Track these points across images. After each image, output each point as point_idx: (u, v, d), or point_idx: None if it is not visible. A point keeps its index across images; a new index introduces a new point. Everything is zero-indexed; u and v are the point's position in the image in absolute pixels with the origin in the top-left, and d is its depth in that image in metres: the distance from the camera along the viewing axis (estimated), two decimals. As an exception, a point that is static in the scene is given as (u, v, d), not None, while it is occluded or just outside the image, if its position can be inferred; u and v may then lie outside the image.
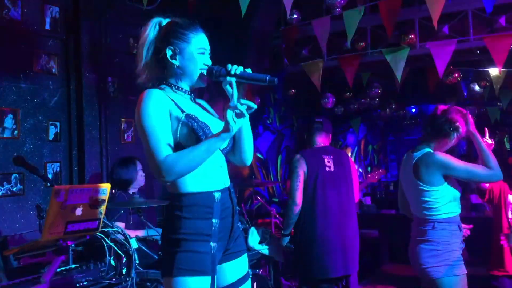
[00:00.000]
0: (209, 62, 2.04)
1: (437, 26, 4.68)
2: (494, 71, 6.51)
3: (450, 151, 3.00)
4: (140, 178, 4.03)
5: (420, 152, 2.92)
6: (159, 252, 3.13)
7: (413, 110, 11.40)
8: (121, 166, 3.99)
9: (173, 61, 2.00)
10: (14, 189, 4.06)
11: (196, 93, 2.15)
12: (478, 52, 5.88)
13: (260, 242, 4.06)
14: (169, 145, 1.84)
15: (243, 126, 2.03)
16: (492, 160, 2.84)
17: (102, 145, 4.74)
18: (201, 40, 2.02)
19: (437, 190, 2.83)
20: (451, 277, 2.77)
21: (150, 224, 3.57)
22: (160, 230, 3.54)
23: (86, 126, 4.61)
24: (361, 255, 4.04)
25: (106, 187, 2.51)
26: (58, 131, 4.49)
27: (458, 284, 2.79)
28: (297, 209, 3.78)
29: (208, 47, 2.05)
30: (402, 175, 3.07)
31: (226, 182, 2.04)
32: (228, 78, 1.90)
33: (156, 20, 2.09)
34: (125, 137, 5.04)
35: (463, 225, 2.93)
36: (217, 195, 1.96)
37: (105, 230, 2.66)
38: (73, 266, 2.69)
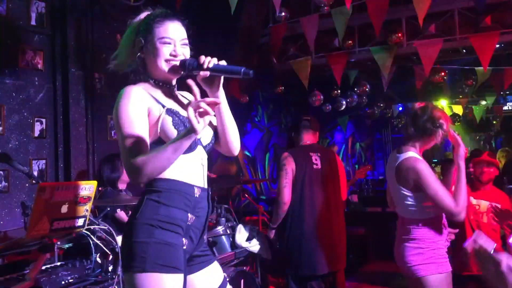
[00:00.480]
0: (183, 52, 1.92)
1: (423, 25, 4.71)
2: (479, 70, 6.58)
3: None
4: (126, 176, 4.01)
5: (404, 154, 2.85)
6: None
7: (400, 109, 11.48)
8: (107, 163, 3.96)
9: (140, 54, 1.96)
10: (-1, 186, 4.02)
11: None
12: (464, 51, 5.93)
13: (248, 240, 4.06)
14: (142, 146, 1.76)
15: (225, 117, 1.96)
16: (464, 199, 2.75)
17: (88, 142, 4.70)
18: (165, 29, 1.91)
19: (418, 194, 2.82)
20: (436, 275, 2.79)
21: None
22: None
23: (72, 122, 4.57)
24: (347, 253, 4.07)
25: (92, 184, 2.49)
26: (44, 127, 4.45)
27: (443, 282, 2.81)
28: (285, 207, 3.81)
29: (177, 36, 1.92)
30: (387, 174, 3.07)
31: (205, 183, 1.96)
32: (202, 72, 1.83)
33: (144, 13, 2.05)
34: (112, 134, 5.01)
35: (449, 229, 2.94)
36: (196, 190, 1.90)
37: (91, 227, 2.64)
38: (58, 263, 2.66)
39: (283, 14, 6.06)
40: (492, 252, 2.06)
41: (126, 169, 1.76)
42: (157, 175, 1.76)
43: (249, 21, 6.09)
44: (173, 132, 1.83)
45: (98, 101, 4.85)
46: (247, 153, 7.98)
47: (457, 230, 3.03)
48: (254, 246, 4.14)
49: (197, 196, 1.89)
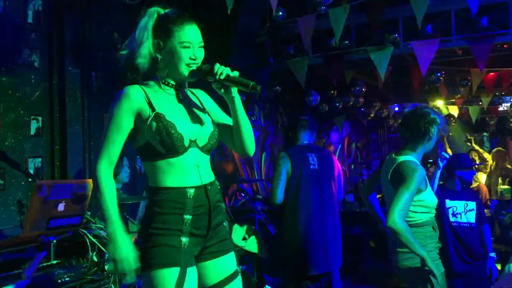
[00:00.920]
0: (200, 55, 2.01)
1: (420, 25, 4.73)
2: (475, 71, 6.61)
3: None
4: (124, 174, 4.02)
5: (402, 157, 2.83)
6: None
7: (396, 109, 11.50)
8: None
9: (158, 55, 2.00)
10: (-5, 184, 4.01)
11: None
12: (461, 52, 5.95)
13: (244, 239, 4.07)
14: (112, 151, 1.97)
15: (240, 119, 2.03)
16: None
17: (84, 141, 4.69)
18: (185, 33, 1.98)
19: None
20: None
21: (133, 220, 3.56)
22: None
23: (68, 121, 4.56)
24: (343, 253, 4.08)
25: (89, 183, 2.49)
26: (40, 126, 4.44)
27: (436, 283, 2.81)
28: (276, 205, 3.86)
29: (195, 39, 2.00)
30: (382, 176, 3.03)
31: (204, 180, 2.01)
32: (213, 80, 1.97)
33: (154, 9, 2.07)
34: (108, 133, 4.99)
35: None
36: (190, 191, 1.95)
37: (88, 225, 2.64)
38: (54, 262, 2.66)
39: (280, 13, 6.07)
40: None
41: (94, 162, 1.98)
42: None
43: (247, 21, 6.09)
44: (155, 138, 1.92)
45: (95, 99, 4.84)
46: (243, 152, 7.97)
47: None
48: (250, 245, 4.15)
49: (191, 197, 1.96)
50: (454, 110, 10.43)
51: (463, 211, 3.98)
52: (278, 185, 3.83)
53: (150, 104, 1.95)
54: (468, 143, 10.71)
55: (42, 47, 4.49)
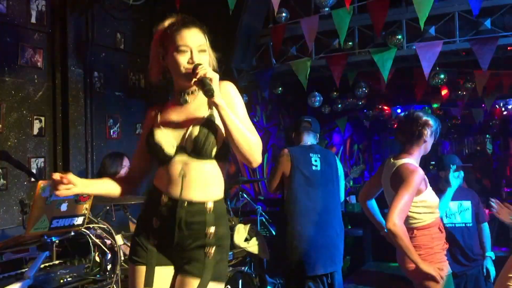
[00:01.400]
0: (200, 60, 1.90)
1: (424, 27, 4.72)
2: (478, 73, 6.59)
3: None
4: (124, 174, 3.98)
5: (400, 161, 2.86)
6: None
7: (399, 111, 11.49)
8: (108, 159, 3.98)
9: (164, 65, 1.98)
10: (-3, 184, 4.01)
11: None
12: (464, 53, 5.94)
13: (246, 240, 4.06)
14: (133, 167, 2.19)
15: (228, 128, 1.84)
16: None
17: (87, 141, 4.70)
18: (181, 37, 1.90)
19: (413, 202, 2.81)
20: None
21: (135, 220, 3.55)
22: None
23: (71, 121, 4.57)
24: (345, 254, 4.08)
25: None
26: (43, 126, 4.45)
27: (444, 284, 2.81)
28: (272, 190, 4.11)
29: (193, 43, 1.90)
30: (383, 181, 3.04)
31: (185, 194, 1.90)
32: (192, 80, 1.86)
33: (168, 20, 2.03)
34: (111, 133, 5.00)
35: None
36: (164, 198, 1.93)
37: (90, 226, 2.63)
38: (57, 262, 2.66)
39: (283, 14, 6.06)
40: None
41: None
42: None
43: (249, 21, 6.08)
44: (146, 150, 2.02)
45: (98, 99, 4.84)
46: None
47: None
48: (252, 246, 4.14)
49: (163, 204, 1.93)
50: (457, 112, 10.41)
51: (457, 211, 3.97)
52: (272, 179, 4.01)
53: (156, 119, 2.01)
54: None
55: (45, 47, 4.49)
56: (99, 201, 3.40)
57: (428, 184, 2.89)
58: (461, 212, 3.95)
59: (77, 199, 2.44)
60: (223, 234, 1.97)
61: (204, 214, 1.91)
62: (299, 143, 4.08)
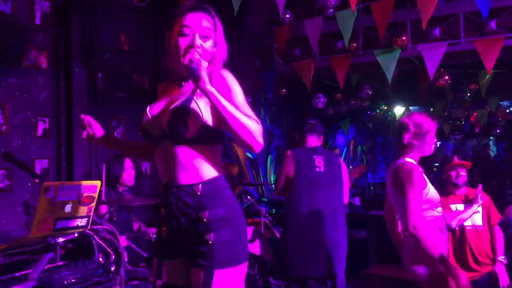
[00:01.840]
0: (203, 45, 1.85)
1: (428, 28, 4.71)
2: (482, 74, 6.58)
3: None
4: (126, 177, 3.94)
5: (400, 160, 2.91)
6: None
7: (402, 112, 11.46)
8: (111, 162, 3.97)
9: (168, 48, 1.93)
10: (1, 185, 4.01)
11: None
12: (469, 55, 5.92)
13: (249, 241, 4.06)
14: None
15: (222, 113, 1.73)
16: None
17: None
18: (185, 20, 1.84)
19: None
20: (440, 275, 2.80)
21: (140, 222, 3.55)
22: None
23: (75, 122, 4.57)
24: (348, 256, 4.06)
25: (96, 184, 2.48)
26: (47, 127, 4.45)
27: (443, 284, 2.82)
28: (278, 194, 4.11)
29: (196, 27, 1.84)
30: (386, 180, 3.07)
31: (172, 178, 1.84)
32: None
33: None
34: (115, 134, 5.00)
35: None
36: (161, 186, 1.89)
37: (95, 227, 2.63)
38: (61, 263, 2.66)
39: (287, 16, 6.06)
40: None
41: None
42: None
43: (253, 23, 6.08)
44: None
45: (102, 100, 4.85)
46: (249, 154, 7.97)
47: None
48: (256, 248, 4.13)
49: (161, 191, 1.89)
50: (461, 114, 10.37)
51: None
52: (278, 182, 3.99)
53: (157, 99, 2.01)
54: None
55: (50, 49, 4.50)
56: (103, 202, 3.40)
57: (428, 181, 2.92)
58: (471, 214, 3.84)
59: (81, 200, 2.43)
60: (223, 215, 1.82)
61: (193, 197, 1.82)
62: (303, 145, 4.08)
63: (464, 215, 3.64)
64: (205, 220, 1.79)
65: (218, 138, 1.89)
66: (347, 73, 6.09)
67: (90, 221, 2.50)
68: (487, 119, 10.29)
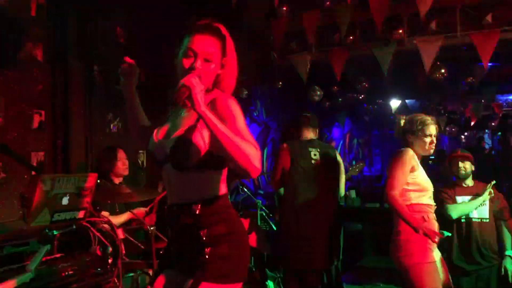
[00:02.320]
0: (203, 67, 1.85)
1: (425, 20, 4.72)
2: (479, 67, 6.58)
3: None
4: (121, 166, 3.99)
5: (400, 149, 3.18)
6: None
7: (398, 105, 11.47)
8: (103, 154, 4.02)
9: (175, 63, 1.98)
10: (-3, 177, 4.00)
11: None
12: (465, 48, 5.93)
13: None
14: None
15: (218, 138, 1.69)
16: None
17: (87, 135, 4.69)
18: (191, 41, 1.86)
19: None
20: (418, 265, 2.88)
21: (135, 213, 3.56)
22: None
23: (71, 115, 4.56)
24: (344, 248, 4.09)
25: (92, 176, 2.49)
26: (43, 119, 4.43)
27: (426, 271, 2.87)
28: (275, 187, 4.20)
29: (200, 49, 1.85)
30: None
31: (176, 199, 1.92)
32: None
33: None
34: (111, 127, 5.00)
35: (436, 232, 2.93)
36: (168, 207, 1.97)
37: (92, 219, 2.64)
38: (58, 255, 2.66)
39: (284, 8, 6.04)
40: None
41: None
42: None
43: (250, 16, 6.07)
44: None
45: (98, 93, 4.83)
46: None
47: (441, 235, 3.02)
48: (252, 240, 4.15)
49: (166, 210, 1.98)
50: (456, 107, 10.40)
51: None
52: (274, 174, 4.03)
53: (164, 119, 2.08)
54: None
55: (46, 41, 4.48)
56: (99, 194, 3.41)
57: (421, 168, 3.09)
58: (477, 207, 3.81)
59: (79, 192, 2.44)
60: (223, 232, 1.86)
61: (192, 216, 1.86)
62: (299, 137, 4.09)
63: (466, 208, 3.69)
64: (204, 238, 1.84)
65: (221, 164, 1.91)
66: (344, 65, 6.09)
67: (87, 213, 2.51)
68: (483, 111, 10.31)
